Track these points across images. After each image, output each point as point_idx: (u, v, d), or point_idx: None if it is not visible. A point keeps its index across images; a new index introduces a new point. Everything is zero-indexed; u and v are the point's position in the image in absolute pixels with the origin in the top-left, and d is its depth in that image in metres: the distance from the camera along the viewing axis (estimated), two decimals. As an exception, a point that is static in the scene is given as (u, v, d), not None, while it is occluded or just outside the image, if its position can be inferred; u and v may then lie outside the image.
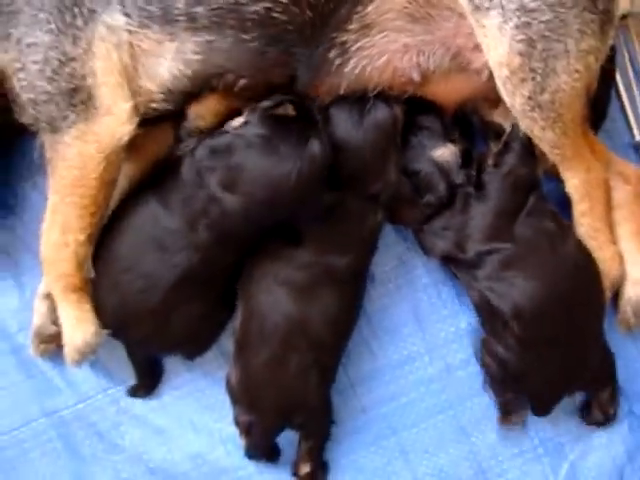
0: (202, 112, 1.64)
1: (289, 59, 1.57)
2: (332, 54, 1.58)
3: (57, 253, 1.61)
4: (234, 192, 1.56)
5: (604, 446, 1.81)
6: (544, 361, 1.64)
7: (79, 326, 1.63)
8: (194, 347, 1.78)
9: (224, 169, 1.56)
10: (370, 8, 1.54)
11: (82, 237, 1.59)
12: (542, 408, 1.73)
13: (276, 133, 1.56)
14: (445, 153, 1.66)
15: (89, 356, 1.67)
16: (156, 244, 1.61)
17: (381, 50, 1.58)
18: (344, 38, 1.56)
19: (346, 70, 1.59)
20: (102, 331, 1.64)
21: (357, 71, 1.59)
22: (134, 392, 1.81)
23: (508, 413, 1.76)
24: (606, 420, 1.76)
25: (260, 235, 1.65)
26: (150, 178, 1.69)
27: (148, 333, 1.68)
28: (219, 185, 1.57)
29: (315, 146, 1.54)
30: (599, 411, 1.74)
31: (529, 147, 1.63)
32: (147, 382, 1.81)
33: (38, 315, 1.74)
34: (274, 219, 1.61)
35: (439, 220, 1.68)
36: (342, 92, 1.62)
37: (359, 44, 1.56)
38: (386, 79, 1.60)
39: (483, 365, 1.74)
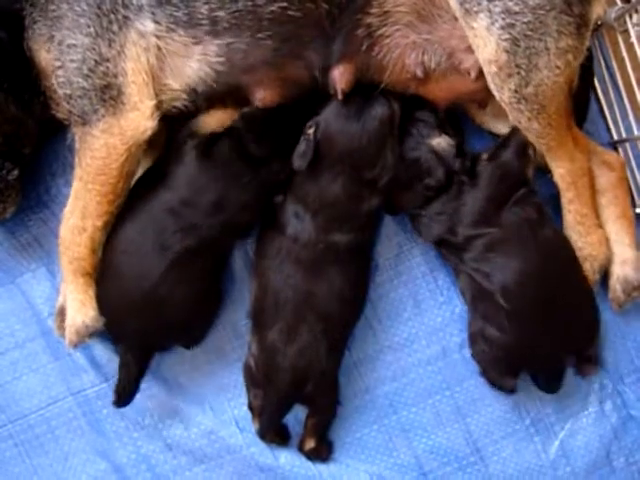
0: (211, 123, 1.77)
1: (304, 52, 1.67)
2: (360, 33, 1.66)
3: (74, 236, 1.72)
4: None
5: (591, 425, 1.89)
6: (535, 332, 1.73)
7: (81, 309, 1.73)
8: (190, 334, 1.86)
9: None
10: None
11: (99, 223, 1.71)
12: (549, 383, 1.81)
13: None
14: (442, 142, 1.76)
15: (86, 339, 1.75)
16: (155, 227, 1.71)
17: (396, 43, 1.68)
18: (369, 20, 1.65)
19: (372, 54, 1.68)
20: (101, 317, 1.74)
21: (379, 57, 1.69)
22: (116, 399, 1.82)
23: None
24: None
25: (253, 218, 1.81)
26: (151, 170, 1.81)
27: (144, 322, 1.75)
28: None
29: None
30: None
31: (525, 148, 1.74)
32: (125, 390, 1.81)
33: (62, 295, 1.83)
34: None
35: (434, 206, 1.77)
36: (361, 78, 1.71)
37: (381, 31, 1.66)
38: (396, 72, 1.71)
39: (475, 354, 1.83)
